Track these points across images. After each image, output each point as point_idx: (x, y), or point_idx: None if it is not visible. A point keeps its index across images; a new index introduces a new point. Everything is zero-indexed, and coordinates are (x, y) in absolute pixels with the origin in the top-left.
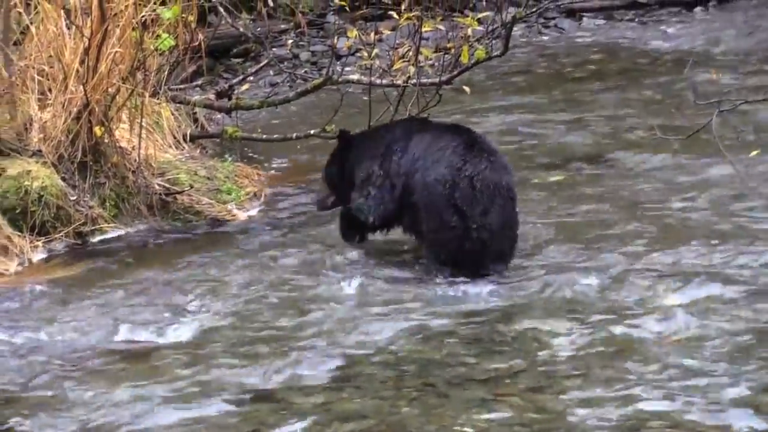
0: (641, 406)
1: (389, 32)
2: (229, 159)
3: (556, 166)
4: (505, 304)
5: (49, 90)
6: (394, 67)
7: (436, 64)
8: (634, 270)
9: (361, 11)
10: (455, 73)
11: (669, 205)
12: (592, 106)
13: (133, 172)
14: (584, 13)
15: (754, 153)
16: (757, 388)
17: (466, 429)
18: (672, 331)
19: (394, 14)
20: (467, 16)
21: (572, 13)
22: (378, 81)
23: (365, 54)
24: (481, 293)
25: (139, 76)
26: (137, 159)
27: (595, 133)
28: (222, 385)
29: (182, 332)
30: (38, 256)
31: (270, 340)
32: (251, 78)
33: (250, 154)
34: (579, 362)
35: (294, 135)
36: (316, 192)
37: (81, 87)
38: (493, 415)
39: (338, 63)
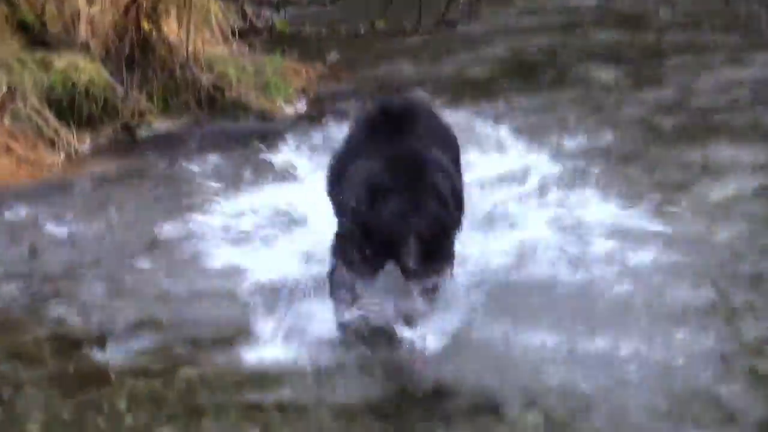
0: None
1: None
2: (278, 55)
3: None
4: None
5: None
6: None
7: None
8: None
9: None
10: None
11: None
12: None
13: (181, 66)
14: None
15: None
16: None
17: None
18: None
19: None
20: None
21: None
22: None
23: None
24: None
25: None
26: (185, 54)
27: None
28: (261, 275)
29: (227, 229)
30: (85, 149)
31: (308, 227)
32: None
33: (299, 50)
34: None
35: (343, 29)
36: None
37: None
38: None
39: None
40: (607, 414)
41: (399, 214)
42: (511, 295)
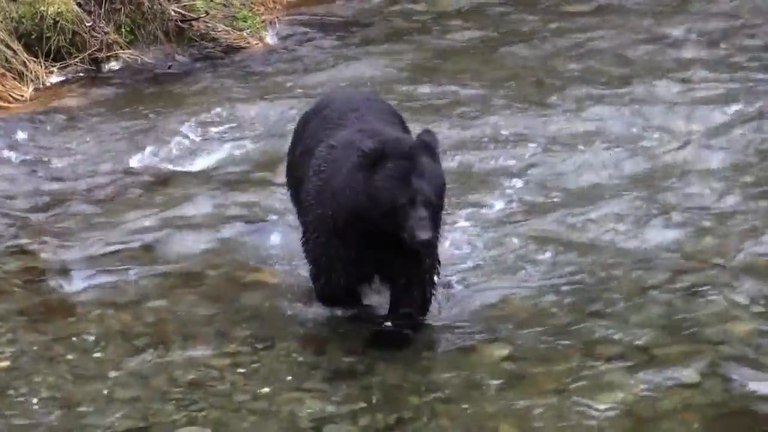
0: None
1: None
2: None
3: None
4: None
5: None
6: None
7: None
8: None
9: None
10: None
11: None
12: None
13: None
14: None
15: None
16: None
17: None
18: None
19: None
20: None
21: None
22: None
23: None
24: None
25: None
26: None
27: None
28: (235, 210)
29: (197, 159)
30: (53, 81)
31: (281, 167)
32: None
33: None
34: None
35: None
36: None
37: None
38: None
39: None
40: None
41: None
42: None
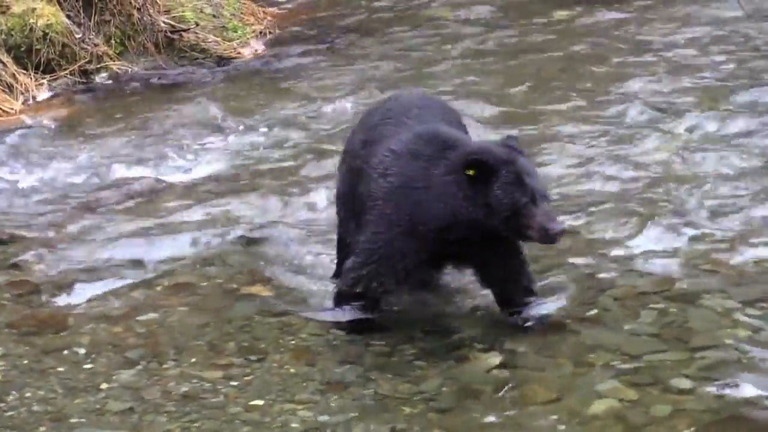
0: None
1: None
2: None
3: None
4: None
5: None
6: None
7: None
8: None
9: None
10: None
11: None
12: None
13: (139, 9)
14: None
15: None
16: None
17: None
18: None
19: None
20: None
21: None
22: None
23: None
24: None
25: None
26: None
27: None
28: (227, 221)
29: (188, 170)
30: (43, 94)
31: (272, 176)
32: None
33: None
34: None
35: None
36: None
37: None
38: None
39: None
40: None
41: None
42: None
